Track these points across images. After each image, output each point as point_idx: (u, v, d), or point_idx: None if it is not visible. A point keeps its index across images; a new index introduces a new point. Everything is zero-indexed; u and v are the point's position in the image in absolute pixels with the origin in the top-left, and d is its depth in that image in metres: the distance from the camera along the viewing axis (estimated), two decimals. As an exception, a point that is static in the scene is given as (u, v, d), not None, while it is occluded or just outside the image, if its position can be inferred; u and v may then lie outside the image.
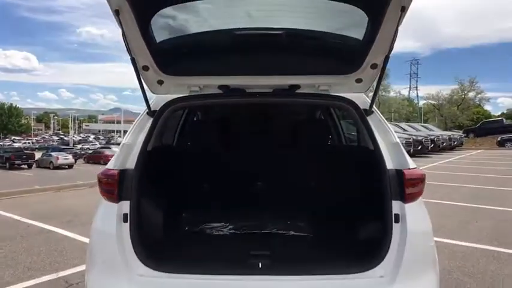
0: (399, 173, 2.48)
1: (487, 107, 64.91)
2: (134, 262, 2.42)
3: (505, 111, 73.05)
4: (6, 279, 4.73)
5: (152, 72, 2.68)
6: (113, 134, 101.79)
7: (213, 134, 4.00)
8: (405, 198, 2.44)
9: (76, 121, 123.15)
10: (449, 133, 32.65)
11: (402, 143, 2.71)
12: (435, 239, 2.63)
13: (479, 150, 29.45)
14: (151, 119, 2.74)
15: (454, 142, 30.00)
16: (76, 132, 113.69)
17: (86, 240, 6.18)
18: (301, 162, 3.90)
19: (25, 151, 39.27)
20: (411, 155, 2.68)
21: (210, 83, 2.85)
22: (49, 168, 32.03)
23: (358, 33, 2.51)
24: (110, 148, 40.44)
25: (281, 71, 2.77)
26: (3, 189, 12.97)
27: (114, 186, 2.49)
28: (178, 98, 2.81)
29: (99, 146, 53.05)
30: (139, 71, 2.60)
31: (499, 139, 32.13)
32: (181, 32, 2.63)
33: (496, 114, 64.58)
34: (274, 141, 4.32)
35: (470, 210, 8.34)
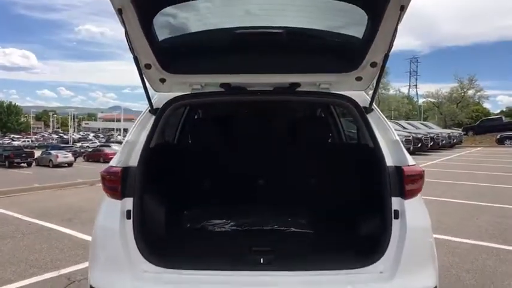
0: (399, 169, 2.51)
1: (486, 105, 65.09)
2: (137, 258, 2.45)
3: (504, 109, 73.22)
4: (8, 276, 4.76)
5: (154, 71, 2.71)
6: (112, 132, 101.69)
7: (214, 131, 4.03)
8: (405, 194, 2.47)
9: (75, 119, 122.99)
10: (449, 131, 32.71)
11: (402, 141, 2.74)
12: (435, 235, 2.66)
13: (478, 148, 29.50)
14: (154, 117, 2.77)
15: (453, 140, 30.05)
16: (75, 130, 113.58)
17: (87, 237, 6.28)
18: (302, 159, 3.93)
19: (24, 149, 39.22)
20: (411, 153, 2.72)
21: (212, 81, 2.87)
22: (49, 166, 32.03)
23: (358, 32, 2.54)
24: (109, 146, 40.43)
25: (282, 69, 2.79)
26: (3, 187, 12.98)
27: (117, 183, 2.52)
28: (180, 96, 2.84)
29: (98, 144, 52.96)
30: (142, 69, 2.63)
31: (498, 137, 32.23)
32: (183, 31, 2.66)
33: (495, 112, 64.62)
34: (275, 139, 4.34)
35: (469, 207, 8.38)
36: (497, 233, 6.27)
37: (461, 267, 4.78)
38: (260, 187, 3.97)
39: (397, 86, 70.31)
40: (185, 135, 4.37)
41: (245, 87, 2.90)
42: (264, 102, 3.85)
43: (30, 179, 19.64)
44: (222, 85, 2.88)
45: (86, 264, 4.89)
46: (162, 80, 2.82)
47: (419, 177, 2.54)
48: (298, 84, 2.87)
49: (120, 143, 45.87)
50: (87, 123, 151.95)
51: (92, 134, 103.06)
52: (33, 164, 33.72)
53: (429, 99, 60.67)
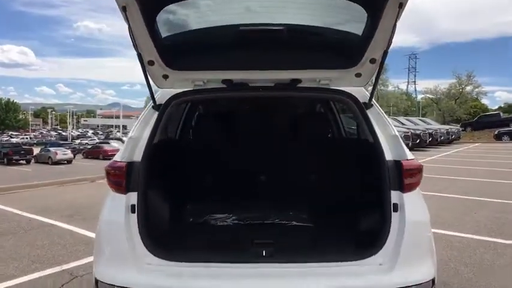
0: (398, 163, 2.56)
1: (485, 101, 65.10)
2: (142, 251, 2.49)
3: (502, 105, 73.38)
4: (11, 272, 4.80)
5: (157, 67, 2.74)
6: (111, 129, 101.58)
7: (216, 127, 4.07)
8: (403, 188, 2.52)
9: (74, 116, 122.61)
10: (447, 127, 32.77)
11: (400, 137, 2.79)
12: (433, 230, 2.71)
13: (476, 144, 29.58)
14: (157, 113, 2.81)
15: (451, 136, 30.11)
16: (74, 127, 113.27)
17: (88, 233, 6.33)
18: (303, 155, 3.98)
19: (23, 146, 39.19)
20: (409, 149, 2.76)
21: (214, 78, 2.91)
22: (48, 163, 32.01)
23: (358, 29, 2.58)
24: (109, 143, 40.44)
25: (283, 66, 2.83)
26: (3, 184, 13.01)
27: (122, 178, 2.56)
28: (182, 92, 2.88)
29: (98, 141, 52.95)
30: (145, 65, 2.66)
31: (496, 133, 32.25)
32: (186, 28, 2.71)
33: (494, 108, 64.80)
34: (276, 135, 4.39)
35: (468, 202, 8.44)
36: (495, 228, 6.33)
37: (459, 260, 4.84)
38: (261, 182, 4.02)
39: (395, 82, 70.41)
40: (186, 132, 4.41)
41: (247, 84, 2.94)
42: (265, 99, 3.89)
43: (29, 176, 19.67)
44: (224, 81, 2.92)
45: (88, 260, 5.00)
46: (165, 77, 2.85)
47: (417, 171, 2.59)
48: (299, 81, 2.91)
49: (119, 139, 45.91)
50: (86, 120, 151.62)
51: (90, 131, 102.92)
52: (32, 161, 33.72)
53: (428, 95, 60.81)
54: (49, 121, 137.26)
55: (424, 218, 2.59)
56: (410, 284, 2.36)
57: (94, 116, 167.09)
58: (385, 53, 2.56)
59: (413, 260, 2.46)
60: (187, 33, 2.70)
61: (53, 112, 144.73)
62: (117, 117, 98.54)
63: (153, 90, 2.90)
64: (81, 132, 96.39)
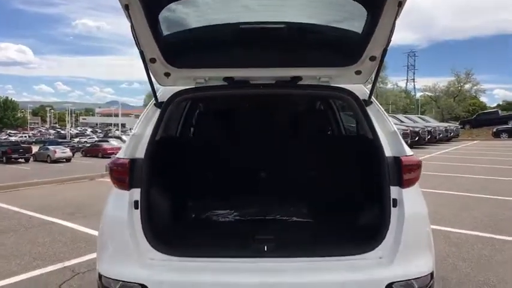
0: (397, 159, 2.60)
1: (483, 99, 65.01)
2: (145, 247, 2.52)
3: (500, 103, 73.42)
4: (13, 269, 4.84)
5: (159, 65, 2.77)
6: (110, 127, 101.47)
7: (217, 125, 4.11)
8: (403, 183, 2.56)
9: (73, 114, 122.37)
10: (446, 124, 32.81)
11: (399, 133, 2.82)
12: (432, 226, 2.75)
13: (475, 141, 29.67)
14: (159, 110, 2.83)
15: (450, 133, 30.19)
16: (73, 125, 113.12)
17: (89, 231, 6.37)
18: (303, 151, 4.02)
19: (22, 145, 39.16)
20: (408, 146, 2.80)
21: (215, 75, 2.94)
22: (47, 161, 31.98)
23: (358, 27, 2.61)
24: (107, 141, 40.40)
25: (284, 63, 2.86)
26: (2, 182, 13.00)
27: (125, 175, 2.59)
28: (184, 89, 2.90)
29: (96, 139, 52.87)
30: (147, 63, 2.69)
31: (494, 130, 32.34)
32: (188, 26, 2.73)
33: (492, 106, 64.81)
34: (277, 131, 4.43)
35: (466, 199, 8.50)
36: (493, 224, 6.39)
37: (457, 256, 4.90)
38: (262, 179, 4.06)
39: (394, 80, 70.38)
40: (187, 129, 4.44)
41: (248, 81, 2.97)
42: (266, 96, 3.92)
43: (28, 174, 19.64)
44: (226, 79, 2.95)
45: (89, 257, 5.04)
46: (167, 74, 2.88)
47: (416, 167, 2.63)
48: (299, 78, 2.94)
49: (118, 138, 45.88)
50: (85, 119, 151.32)
51: (89, 129, 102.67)
52: (31, 159, 33.67)
53: (426, 93, 60.79)
54: (48, 119, 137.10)
55: (422, 213, 2.63)
56: (410, 277, 2.41)
57: (93, 114, 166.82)
58: (385, 51, 2.60)
59: (412, 253, 2.50)
60: (189, 31, 2.73)
61: (52, 110, 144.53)
62: (116, 115, 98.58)
63: (155, 88, 2.93)
64: (80, 131, 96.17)
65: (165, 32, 2.63)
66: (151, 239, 2.54)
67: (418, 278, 2.43)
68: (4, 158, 31.83)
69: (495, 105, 69.56)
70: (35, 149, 36.54)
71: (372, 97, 2.94)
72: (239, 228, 3.30)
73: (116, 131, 76.22)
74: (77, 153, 37.46)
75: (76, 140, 57.68)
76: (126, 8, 2.26)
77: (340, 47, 2.84)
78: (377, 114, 2.85)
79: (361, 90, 2.99)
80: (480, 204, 7.90)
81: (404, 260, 2.46)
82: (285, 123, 4.54)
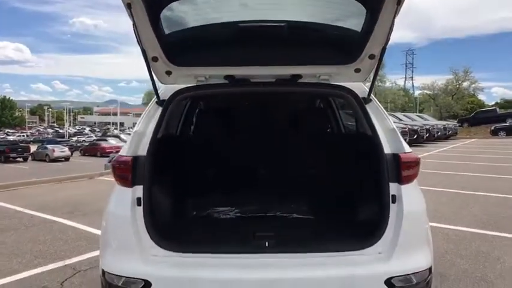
0: (396, 156, 2.63)
1: (481, 97, 65.21)
2: (148, 243, 2.56)
3: (498, 101, 73.65)
4: (14, 267, 4.85)
5: (161, 63, 2.80)
6: (108, 126, 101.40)
7: (218, 122, 4.14)
8: (401, 180, 2.59)
9: (71, 113, 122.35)
10: (444, 123, 32.90)
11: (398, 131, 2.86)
12: (431, 224, 2.79)
13: (473, 139, 29.76)
14: (161, 108, 2.86)
15: (448, 131, 30.26)
16: (71, 124, 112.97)
17: (90, 229, 6.38)
18: (303, 149, 4.05)
19: (20, 144, 39.13)
20: (407, 144, 2.84)
21: (216, 73, 2.97)
22: (45, 161, 32.01)
23: (357, 25, 2.64)
24: (106, 140, 40.41)
25: (284, 61, 2.89)
26: (1, 181, 12.99)
27: (127, 172, 2.62)
28: (185, 87, 2.93)
29: (95, 138, 52.87)
30: (149, 62, 2.72)
31: (492, 128, 32.44)
32: (189, 25, 2.76)
33: (490, 104, 64.95)
34: (277, 129, 4.46)
35: (464, 196, 8.54)
36: (491, 221, 6.43)
37: (455, 253, 4.94)
38: (263, 176, 4.09)
39: (393, 78, 70.32)
40: (187, 127, 4.47)
41: (248, 79, 3.00)
42: (266, 94, 3.95)
43: (27, 173, 19.64)
44: (226, 77, 2.98)
45: (90, 255, 5.07)
46: (168, 73, 2.91)
47: (415, 163, 2.66)
48: (299, 76, 2.97)
49: (117, 136, 45.88)
50: (83, 117, 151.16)
51: (88, 128, 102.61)
52: (30, 158, 33.67)
53: (425, 91, 60.81)
54: (46, 118, 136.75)
55: (421, 209, 2.67)
56: (409, 272, 2.45)
57: (91, 113, 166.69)
58: (384, 49, 2.63)
59: (411, 249, 2.54)
60: (190, 29, 2.75)
61: (50, 109, 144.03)
62: (114, 114, 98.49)
63: (157, 86, 2.95)
64: (78, 130, 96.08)
65: (167, 31, 2.65)
66: (154, 235, 2.57)
67: (416, 272, 2.47)
68: (2, 158, 31.85)
69: (493, 103, 69.91)
70: (33, 148, 36.55)
71: (371, 95, 2.97)
72: (240, 225, 3.33)
73: (115, 130, 76.19)
74: (75, 152, 37.49)
75: (74, 139, 57.71)
76: (129, 6, 2.28)
77: (340, 45, 2.87)
78: (376, 111, 2.88)
79: (361, 88, 3.02)
80: (479, 202, 7.95)
81: (403, 255, 2.50)
82: (285, 121, 4.58)
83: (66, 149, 34.88)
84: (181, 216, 3.43)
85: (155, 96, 2.95)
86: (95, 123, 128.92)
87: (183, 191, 3.67)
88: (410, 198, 2.59)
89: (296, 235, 2.96)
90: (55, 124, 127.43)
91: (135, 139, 2.73)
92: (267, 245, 2.63)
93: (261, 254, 2.58)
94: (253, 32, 2.72)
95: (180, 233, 3.03)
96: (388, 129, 2.77)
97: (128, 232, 2.55)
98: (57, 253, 5.35)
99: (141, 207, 2.58)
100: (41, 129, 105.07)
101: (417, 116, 33.15)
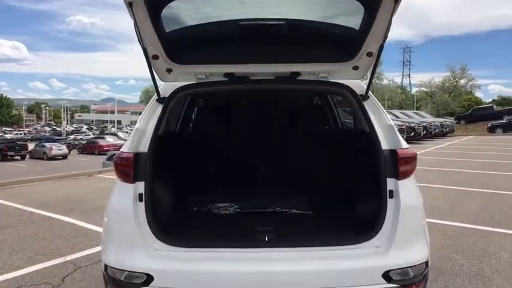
0: (393, 152, 2.68)
1: (478, 94, 65.39)
2: (150, 238, 2.60)
3: (495, 98, 73.90)
4: (16, 263, 4.89)
5: (162, 61, 2.84)
6: (106, 124, 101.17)
7: (217, 120, 4.19)
8: (399, 175, 2.64)
9: (68, 111, 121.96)
10: (441, 120, 33.04)
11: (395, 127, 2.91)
12: (428, 220, 2.84)
13: (470, 136, 29.87)
14: (161, 106, 2.90)
15: (445, 129, 30.39)
16: (68, 122, 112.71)
17: (89, 226, 6.41)
18: (302, 145, 4.10)
19: (18, 142, 39.05)
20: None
21: (216, 71, 3.01)
22: (43, 159, 31.99)
23: (355, 23, 2.69)
24: (104, 138, 40.36)
25: (283, 59, 2.94)
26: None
27: (129, 168, 2.66)
28: (185, 85, 2.97)
29: (92, 136, 52.82)
30: (150, 60, 2.75)
31: (489, 125, 32.57)
32: (189, 23, 2.79)
33: (487, 101, 65.20)
34: (276, 126, 4.51)
35: (461, 193, 8.61)
36: (487, 217, 6.50)
37: (452, 248, 5.00)
38: (262, 173, 4.14)
39: (390, 76, 70.71)
40: (187, 124, 4.51)
41: (248, 77, 3.04)
42: (265, 91, 4.00)
43: (25, 171, 19.62)
44: (226, 75, 3.02)
45: (90, 251, 5.11)
46: (169, 70, 2.95)
47: (412, 159, 2.71)
48: (298, 73, 3.02)
49: (114, 134, 45.85)
50: (80, 116, 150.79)
51: (85, 126, 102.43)
52: (27, 156, 33.63)
53: (422, 88, 60.94)
54: (43, 116, 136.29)
55: (417, 204, 2.72)
56: (406, 265, 2.50)
57: (88, 111, 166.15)
58: (381, 47, 2.68)
59: (408, 242, 2.59)
60: (191, 28, 2.79)
61: (47, 107, 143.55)
62: (112, 112, 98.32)
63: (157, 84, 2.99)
64: (75, 128, 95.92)
65: (167, 29, 2.69)
66: (156, 230, 2.61)
67: (413, 265, 2.52)
68: (0, 156, 31.74)
69: (490, 100, 70.19)
70: (30, 146, 36.48)
71: (369, 92, 3.02)
72: (240, 220, 3.39)
73: (112, 128, 76.06)
74: (73, 151, 37.44)
75: (72, 137, 57.68)
76: (130, 5, 2.31)
77: (338, 43, 2.92)
78: (374, 108, 2.93)
79: (359, 85, 3.07)
80: (475, 198, 8.02)
81: (401, 248, 2.55)
82: (284, 118, 4.62)
83: (64, 147, 34.88)
84: (182, 212, 3.47)
85: (156, 94, 2.99)
86: (92, 121, 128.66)
87: (184, 187, 3.72)
88: (407, 193, 2.64)
89: (295, 230, 3.01)
90: (52, 122, 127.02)
91: (136, 136, 2.77)
92: (266, 239, 2.68)
93: (261, 248, 2.63)
94: (253, 30, 2.77)
95: (181, 228, 3.08)
96: (385, 126, 2.82)
97: (130, 227, 2.59)
98: (57, 249, 5.38)
99: (143, 202, 2.62)
100: (39, 128, 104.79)
101: (414, 113, 33.26)
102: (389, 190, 2.63)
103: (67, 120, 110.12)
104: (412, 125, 24.84)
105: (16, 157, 32.88)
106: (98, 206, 7.75)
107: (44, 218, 7.33)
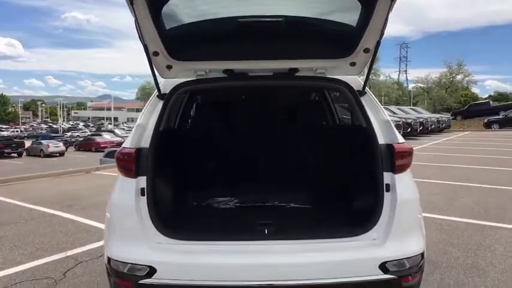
0: (389, 147, 2.74)
1: (475, 90, 65.46)
2: (152, 231, 2.65)
3: (492, 94, 74.16)
4: (17, 258, 4.93)
5: (162, 58, 2.88)
6: (102, 121, 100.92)
7: (217, 116, 4.23)
8: (395, 169, 2.70)
9: (64, 108, 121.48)
10: (438, 116, 33.14)
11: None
12: (424, 214, 2.91)
13: (466, 132, 30.02)
14: (162, 102, 2.95)
15: (442, 124, 30.51)
16: (65, 119, 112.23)
17: (89, 222, 6.46)
18: (301, 140, 4.16)
19: (14, 139, 38.93)
20: (401, 137, 2.95)
21: (216, 68, 3.06)
22: (40, 156, 31.92)
23: (352, 20, 2.74)
24: (100, 135, 40.30)
25: (281, 56, 2.99)
26: (-3, 177, 12.98)
27: (131, 163, 2.70)
28: (185, 81, 3.02)
29: (89, 133, 52.70)
30: (151, 56, 2.79)
31: (485, 121, 32.70)
32: (189, 20, 2.84)
33: (484, 97, 65.39)
34: (274, 122, 4.56)
35: (457, 188, 8.70)
36: (483, 211, 6.59)
37: (448, 242, 5.07)
38: (261, 167, 4.20)
39: (387, 72, 70.89)
40: (185, 121, 4.56)
41: (247, 73, 3.09)
42: (264, 88, 4.05)
43: (22, 168, 19.58)
44: (225, 71, 3.07)
45: (90, 247, 5.16)
46: (169, 67, 2.99)
47: (408, 153, 2.78)
48: (296, 70, 3.07)
49: (111, 131, 45.76)
50: (77, 113, 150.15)
51: (81, 123, 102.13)
52: (24, 154, 33.54)
53: (419, 84, 61.03)
54: (39, 114, 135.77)
55: (414, 197, 2.78)
56: (402, 257, 2.57)
57: (84, 108, 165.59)
58: (378, 43, 2.74)
59: (404, 235, 2.66)
60: (191, 24, 2.83)
61: (43, 105, 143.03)
62: (108, 109, 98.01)
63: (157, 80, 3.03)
64: (72, 125, 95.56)
65: (168, 26, 2.73)
66: (158, 224, 2.67)
67: (409, 257, 2.59)
68: (-3, 153, 31.68)
69: (487, 96, 70.43)
70: (27, 143, 36.37)
71: (366, 88, 3.08)
72: (239, 214, 3.45)
73: (109, 125, 75.86)
74: (69, 148, 37.37)
75: (68, 134, 57.49)
76: (131, 3, 2.35)
77: (336, 40, 2.97)
78: (371, 104, 2.98)
79: (356, 81, 3.12)
80: (471, 193, 8.11)
81: (397, 241, 2.62)
82: (283, 113, 4.68)
83: (61, 144, 34.80)
84: (182, 206, 3.53)
85: (156, 90, 3.03)
86: (88, 118, 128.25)
87: (184, 182, 3.77)
88: (403, 187, 2.70)
89: (294, 223, 3.07)
90: (49, 119, 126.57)
91: (138, 132, 2.81)
92: (266, 232, 2.74)
93: (261, 241, 2.69)
94: (252, 27, 2.81)
95: (183, 221, 3.13)
96: (382, 121, 2.88)
97: (133, 221, 2.64)
98: (58, 245, 5.42)
99: (145, 197, 2.67)
100: (35, 125, 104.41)
101: (411, 109, 33.36)
102: (386, 184, 2.69)
103: (63, 117, 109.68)
104: (409, 120, 24.93)
105: (13, 154, 32.80)
106: (97, 202, 7.79)
107: (43, 214, 7.36)
